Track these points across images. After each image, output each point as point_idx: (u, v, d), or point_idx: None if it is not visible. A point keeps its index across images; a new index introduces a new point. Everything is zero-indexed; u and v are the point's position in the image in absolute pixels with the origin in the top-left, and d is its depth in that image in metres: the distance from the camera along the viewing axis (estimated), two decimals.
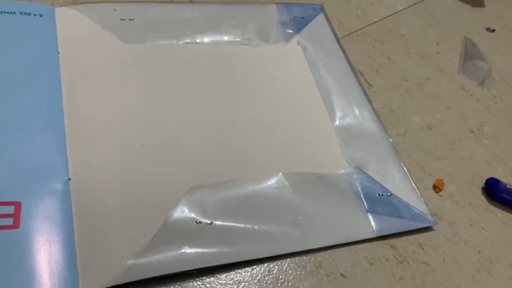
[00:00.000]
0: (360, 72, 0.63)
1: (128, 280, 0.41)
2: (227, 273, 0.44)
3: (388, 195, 0.51)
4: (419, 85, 0.64)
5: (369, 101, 0.59)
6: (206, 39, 0.58)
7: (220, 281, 0.43)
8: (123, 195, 0.45)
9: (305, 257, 0.46)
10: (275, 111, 0.55)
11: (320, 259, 0.46)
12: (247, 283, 0.44)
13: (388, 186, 0.52)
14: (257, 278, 0.44)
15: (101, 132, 0.49)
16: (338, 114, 0.57)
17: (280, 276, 0.45)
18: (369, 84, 0.62)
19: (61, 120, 0.49)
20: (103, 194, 0.45)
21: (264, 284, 0.44)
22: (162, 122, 0.51)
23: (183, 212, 0.45)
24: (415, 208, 0.51)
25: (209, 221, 0.45)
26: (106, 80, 0.52)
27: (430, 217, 0.51)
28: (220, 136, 0.52)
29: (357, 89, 0.60)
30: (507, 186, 0.55)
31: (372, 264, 0.47)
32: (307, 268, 0.46)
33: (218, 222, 0.45)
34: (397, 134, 0.58)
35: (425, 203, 0.52)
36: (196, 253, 0.43)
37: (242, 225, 0.46)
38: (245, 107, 0.54)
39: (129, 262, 0.41)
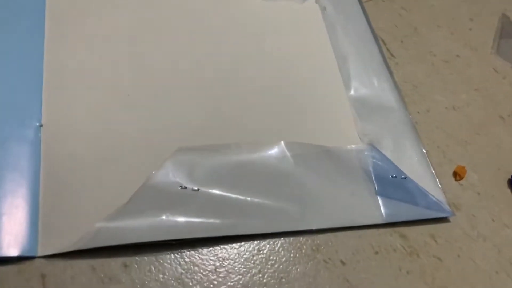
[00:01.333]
0: (383, 41, 0.56)
1: (93, 246, 0.36)
2: (211, 248, 0.39)
3: (402, 178, 0.45)
4: (447, 61, 0.57)
5: (390, 72, 0.53)
6: None
7: (202, 256, 0.38)
8: (101, 149, 0.40)
9: (301, 238, 0.41)
10: (283, 72, 0.49)
11: (318, 242, 0.41)
12: (232, 261, 0.39)
13: (403, 168, 0.46)
14: (244, 256, 0.39)
15: (84, 76, 0.44)
16: (354, 83, 0.51)
17: (271, 257, 0.40)
18: (392, 55, 0.56)
19: (40, 58, 0.43)
20: (78, 145, 0.40)
21: (252, 264, 0.39)
22: (153, 71, 0.45)
23: (167, 174, 0.40)
24: (431, 195, 0.45)
25: (195, 187, 0.40)
26: (94, 19, 0.47)
27: (447, 206, 0.45)
28: (218, 93, 0.46)
29: (377, 58, 0.53)
30: None
31: (377, 253, 0.42)
32: (303, 251, 0.40)
33: (205, 190, 0.40)
34: (418, 112, 0.52)
35: (443, 191, 0.46)
36: (177, 222, 0.38)
37: (233, 195, 0.40)
38: (250, 63, 0.49)
39: (97, 225, 0.36)
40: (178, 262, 0.38)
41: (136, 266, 0.37)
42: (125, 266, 0.37)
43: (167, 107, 0.44)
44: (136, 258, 0.37)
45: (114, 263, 0.37)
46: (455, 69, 0.57)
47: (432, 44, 0.58)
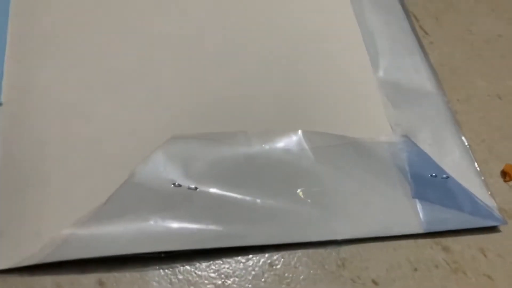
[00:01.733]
0: (415, 16, 0.49)
1: (60, 258, 0.29)
2: (211, 262, 0.32)
3: (443, 178, 0.39)
4: (488, 42, 0.50)
5: (425, 52, 0.45)
6: None
7: (199, 273, 0.32)
8: (73, 136, 0.34)
9: (323, 251, 0.34)
10: (301, 49, 0.42)
11: (344, 255, 0.34)
12: (237, 279, 0.32)
13: (444, 166, 0.39)
14: (253, 273, 0.32)
15: (55, 48, 0.37)
16: (383, 62, 0.44)
17: (286, 274, 0.33)
18: (425, 33, 0.48)
19: (4, 26, 0.36)
20: (45, 131, 0.33)
21: (262, 283, 0.32)
22: (142, 42, 0.39)
23: (156, 168, 0.33)
24: (478, 199, 0.38)
25: (193, 186, 0.33)
26: None
27: (497, 213, 0.38)
28: (222, 70, 0.39)
29: (410, 36, 0.46)
30: None
31: (416, 270, 0.35)
32: (325, 267, 0.34)
33: (205, 188, 0.33)
34: (458, 100, 0.45)
35: (491, 195, 0.39)
36: (168, 228, 0.31)
37: (238, 196, 0.34)
38: (261, 37, 0.42)
39: (66, 231, 0.30)
40: (168, 280, 0.31)
41: (115, 284, 0.30)
42: (101, 284, 0.30)
43: (159, 86, 0.37)
44: (115, 274, 0.30)
45: (87, 281, 0.30)
46: (498, 51, 0.50)
47: (471, 22, 0.51)
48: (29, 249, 0.29)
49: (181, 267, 0.31)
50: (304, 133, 0.37)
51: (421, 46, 0.46)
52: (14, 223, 0.29)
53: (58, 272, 0.29)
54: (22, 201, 0.30)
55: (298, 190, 0.35)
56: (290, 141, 0.36)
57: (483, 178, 0.40)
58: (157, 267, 0.31)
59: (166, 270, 0.31)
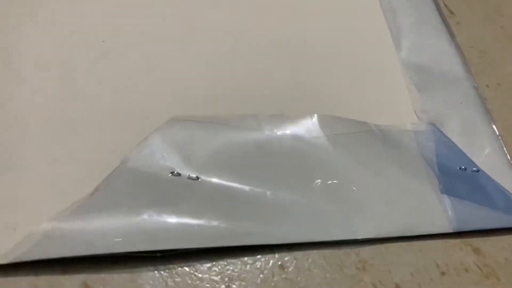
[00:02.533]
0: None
1: (39, 257, 0.26)
2: (213, 263, 0.28)
3: (473, 171, 0.35)
4: None
5: (451, 33, 0.42)
6: None
7: (200, 275, 0.28)
8: (58, 113, 0.31)
9: (341, 252, 0.31)
10: (318, 27, 0.39)
11: (365, 257, 0.31)
12: (244, 282, 0.29)
13: (474, 158, 0.36)
14: (261, 276, 0.29)
15: (46, 14, 0.32)
16: (406, 43, 0.40)
17: (299, 277, 0.29)
18: (451, 12, 0.45)
19: None
20: (24, 108, 0.30)
21: (272, 287, 0.28)
22: (141, 10, 0.36)
23: (153, 154, 0.30)
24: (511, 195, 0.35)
25: (194, 175, 0.30)
26: None
27: None
28: (230, 47, 0.36)
29: (434, 16, 0.43)
30: None
31: (443, 274, 0.32)
32: (344, 270, 0.30)
33: (207, 178, 0.30)
34: (487, 86, 0.41)
35: None
36: (165, 224, 0.28)
37: (246, 188, 0.30)
38: (272, 15, 0.39)
39: (45, 226, 0.26)
40: (164, 283, 0.27)
41: (102, 287, 0.26)
42: (86, 286, 0.27)
43: (158, 61, 0.34)
44: (103, 276, 0.27)
45: (70, 283, 0.26)
46: None
47: (501, 2, 0.47)
48: (3, 245, 0.25)
49: (179, 269, 0.28)
50: (320, 117, 0.33)
51: (447, 26, 0.43)
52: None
53: (36, 272, 0.26)
54: None
55: (314, 183, 0.31)
56: (304, 127, 0.33)
57: None
58: (152, 268, 0.27)
59: (162, 272, 0.27)
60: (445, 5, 0.45)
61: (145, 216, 0.27)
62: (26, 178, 0.27)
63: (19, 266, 0.25)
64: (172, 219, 0.28)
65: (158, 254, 0.27)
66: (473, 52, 0.43)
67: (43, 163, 0.28)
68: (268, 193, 0.30)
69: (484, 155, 0.36)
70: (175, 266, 0.28)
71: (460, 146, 0.36)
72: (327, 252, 0.30)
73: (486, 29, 0.45)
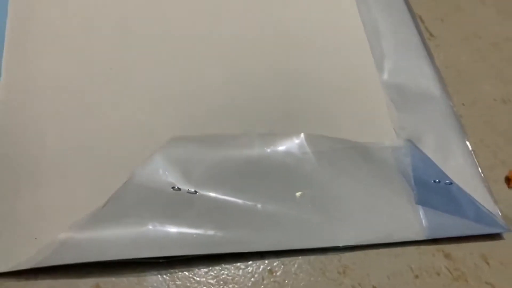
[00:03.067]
0: (420, 18, 0.48)
1: (56, 262, 0.28)
2: (210, 268, 0.31)
3: (446, 183, 0.38)
4: (495, 45, 0.49)
5: (430, 55, 0.44)
6: None
7: (198, 279, 0.31)
8: (71, 136, 0.33)
9: (324, 258, 0.33)
10: (304, 51, 0.41)
11: (345, 262, 0.34)
12: (236, 285, 0.31)
13: (447, 172, 0.38)
14: (252, 279, 0.32)
15: (55, 42, 0.36)
16: (388, 64, 0.43)
17: (286, 281, 0.32)
18: (431, 35, 0.47)
19: (3, 22, 0.35)
20: (42, 131, 0.33)
21: None
22: (143, 40, 0.38)
23: (156, 171, 0.32)
24: (481, 205, 0.38)
25: (192, 190, 0.32)
26: None
27: (501, 220, 0.38)
28: (224, 71, 0.38)
29: (415, 38, 0.45)
30: None
31: (417, 277, 0.35)
32: (326, 274, 0.33)
33: (205, 192, 0.32)
34: (463, 104, 0.44)
35: (495, 201, 0.39)
36: (167, 233, 0.31)
37: (239, 201, 0.33)
38: (264, 40, 0.41)
39: (62, 235, 0.29)
40: (167, 286, 0.30)
41: None
42: None
43: (160, 86, 0.36)
44: (113, 279, 0.30)
45: (84, 286, 0.29)
46: (505, 54, 0.49)
47: (477, 25, 0.50)
48: (25, 252, 0.28)
49: (180, 273, 0.31)
50: (307, 136, 0.36)
51: (427, 49, 0.45)
52: (9, 225, 0.29)
53: (54, 276, 0.29)
54: (19, 204, 0.30)
55: (300, 195, 0.34)
56: (292, 145, 0.36)
57: (487, 184, 0.39)
58: (156, 273, 0.30)
59: (165, 276, 0.30)
60: (426, 28, 0.48)
61: (150, 227, 0.30)
62: (45, 194, 0.30)
63: (39, 270, 0.28)
64: (174, 229, 0.30)
65: (161, 260, 0.30)
66: (450, 72, 0.46)
67: (60, 179, 0.31)
68: (259, 205, 0.33)
69: (458, 169, 0.39)
70: (176, 270, 0.31)
71: (435, 160, 0.38)
72: (311, 258, 0.33)
73: (463, 50, 0.48)
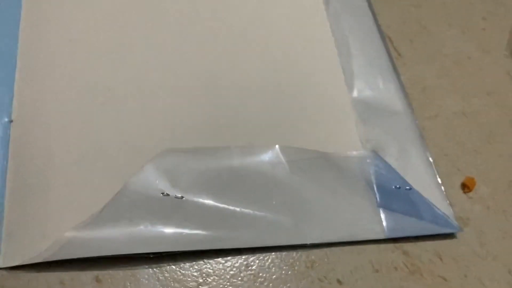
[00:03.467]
0: (390, 39, 0.53)
1: (63, 257, 0.33)
2: (194, 262, 0.36)
3: (406, 189, 0.42)
4: (458, 62, 0.53)
5: (397, 73, 0.49)
6: None
7: (183, 271, 0.35)
8: (76, 149, 0.37)
9: (294, 254, 0.38)
10: (281, 70, 0.46)
11: (313, 258, 0.38)
12: (217, 278, 0.35)
13: (408, 178, 0.43)
14: (231, 272, 0.36)
15: (62, 68, 0.40)
16: (358, 83, 0.47)
17: (260, 274, 0.36)
18: (399, 54, 0.52)
19: (14, 49, 0.39)
20: (51, 144, 0.37)
21: (239, 281, 0.35)
22: (137, 65, 0.42)
23: (147, 179, 0.36)
24: (437, 208, 0.42)
25: (179, 195, 0.37)
26: (73, 7, 0.43)
27: (454, 221, 0.42)
28: (206, 90, 0.43)
29: (384, 58, 0.50)
30: None
31: (377, 271, 0.39)
32: (296, 268, 0.37)
33: (190, 197, 0.37)
34: (426, 117, 0.48)
35: (450, 204, 0.43)
36: (157, 233, 0.35)
37: (220, 205, 0.37)
38: (243, 61, 0.45)
39: (67, 234, 0.33)
40: (156, 278, 0.34)
41: (110, 281, 0.34)
42: (98, 280, 0.34)
43: (151, 104, 0.41)
44: (110, 272, 0.34)
45: (86, 277, 0.34)
46: (466, 71, 0.53)
47: (443, 44, 0.55)
48: (36, 249, 0.32)
49: (168, 266, 0.35)
50: (281, 148, 0.40)
51: (394, 67, 0.50)
52: (22, 226, 0.33)
53: (61, 269, 0.33)
54: (30, 207, 0.34)
55: (273, 199, 0.38)
56: (268, 155, 0.40)
57: (443, 189, 0.43)
58: (147, 266, 0.34)
59: (155, 269, 0.34)
60: (395, 48, 0.53)
61: (142, 227, 0.34)
62: (53, 199, 0.34)
63: (48, 264, 0.32)
64: (162, 229, 0.35)
65: (151, 256, 0.34)
66: (415, 88, 0.50)
67: (65, 187, 0.35)
68: (237, 208, 0.37)
69: (417, 176, 0.43)
70: (165, 264, 0.35)
71: (397, 169, 0.42)
72: (283, 254, 0.37)
73: (428, 68, 0.52)
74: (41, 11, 0.42)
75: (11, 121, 0.36)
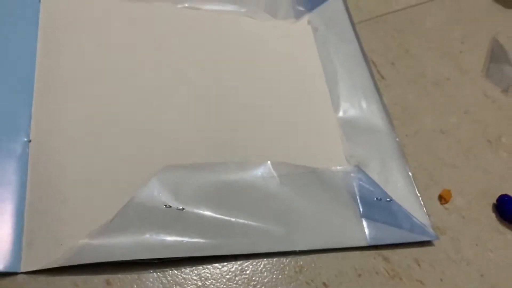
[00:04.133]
0: (374, 63, 0.57)
1: (77, 262, 0.36)
2: (194, 267, 0.39)
3: (387, 201, 0.46)
4: (437, 83, 0.58)
5: (380, 94, 0.53)
6: (207, 6, 0.52)
7: (184, 275, 0.38)
8: (88, 165, 0.41)
9: (284, 260, 0.41)
10: (272, 93, 0.50)
11: (301, 263, 0.41)
12: (214, 281, 0.39)
13: (388, 191, 0.47)
14: (227, 276, 0.39)
15: (75, 92, 0.44)
16: (343, 104, 0.51)
17: (254, 277, 0.40)
18: (382, 77, 0.56)
19: (32, 72, 0.43)
20: (65, 161, 0.40)
21: (234, 284, 0.39)
22: (145, 89, 0.46)
23: (152, 192, 0.40)
24: (416, 218, 0.46)
25: (180, 207, 0.40)
26: (89, 36, 0.47)
27: (431, 230, 0.46)
28: (207, 113, 0.46)
29: (367, 80, 0.54)
30: None
31: (359, 275, 0.42)
32: (286, 272, 0.41)
33: (191, 209, 0.40)
34: (406, 135, 0.52)
35: (428, 214, 0.47)
36: (161, 240, 0.38)
37: (218, 216, 0.41)
38: (239, 84, 0.49)
39: (81, 242, 0.37)
40: (160, 281, 0.38)
41: (119, 284, 0.37)
42: (108, 283, 0.37)
43: (156, 125, 0.44)
44: (119, 275, 0.37)
45: (97, 280, 0.37)
46: (445, 91, 0.57)
47: (424, 66, 0.59)
48: (52, 255, 0.36)
49: (170, 271, 0.38)
50: (272, 163, 0.44)
51: (377, 88, 0.54)
52: (41, 234, 0.36)
53: (75, 273, 0.36)
54: (47, 218, 0.37)
55: (266, 210, 0.42)
56: (261, 170, 0.44)
57: (421, 201, 0.47)
58: (152, 271, 0.37)
59: (159, 273, 0.38)
60: (378, 71, 0.57)
61: (147, 235, 0.37)
62: (66, 211, 0.37)
63: (64, 269, 0.35)
64: (165, 237, 0.38)
65: (155, 261, 0.37)
66: (397, 108, 0.54)
67: (78, 200, 0.38)
68: (233, 219, 0.40)
69: (397, 188, 0.47)
70: (167, 269, 0.38)
71: (379, 182, 0.46)
72: (274, 259, 0.41)
73: (409, 89, 0.56)
74: (56, 40, 0.46)
75: (29, 141, 0.40)
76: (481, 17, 0.67)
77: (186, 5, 0.52)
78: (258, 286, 0.39)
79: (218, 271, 0.39)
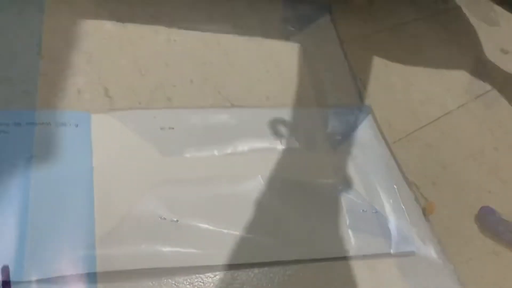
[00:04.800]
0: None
1: (76, 272, 0.38)
2: (187, 277, 0.41)
3: (373, 213, 0.48)
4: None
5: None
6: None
7: (178, 285, 0.40)
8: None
9: (274, 269, 0.43)
10: None
11: (289, 272, 0.43)
12: None
13: (374, 203, 0.49)
14: (220, 285, 0.41)
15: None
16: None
17: (245, 286, 0.41)
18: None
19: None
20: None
21: None
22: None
23: (147, 206, 0.42)
24: (400, 229, 0.48)
25: (175, 219, 0.42)
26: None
27: (416, 241, 0.48)
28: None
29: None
30: (503, 217, 0.51)
31: (346, 284, 0.44)
32: (275, 281, 0.42)
33: (185, 221, 0.42)
34: (393, 142, 0.55)
35: (412, 226, 0.48)
36: (155, 251, 0.40)
37: (211, 227, 0.43)
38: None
39: (80, 253, 0.38)
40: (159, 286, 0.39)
41: None
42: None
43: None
44: (116, 284, 0.39)
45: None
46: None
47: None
48: (53, 264, 0.37)
49: (165, 280, 0.39)
50: (262, 177, 0.46)
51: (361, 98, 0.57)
52: (43, 246, 0.38)
53: (74, 282, 0.37)
54: (52, 234, 0.39)
55: (257, 222, 0.44)
56: (252, 184, 0.46)
57: (406, 213, 0.49)
58: (147, 279, 0.39)
59: (154, 282, 0.39)
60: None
61: (143, 246, 0.39)
62: (65, 226, 0.39)
63: (63, 278, 0.37)
64: (161, 248, 0.40)
65: (151, 270, 0.39)
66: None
67: (82, 214, 0.40)
68: (225, 230, 0.42)
69: (383, 201, 0.49)
70: (162, 278, 0.39)
71: (365, 195, 0.49)
72: (265, 269, 0.42)
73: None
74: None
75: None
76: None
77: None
78: None
79: (210, 280, 0.41)
